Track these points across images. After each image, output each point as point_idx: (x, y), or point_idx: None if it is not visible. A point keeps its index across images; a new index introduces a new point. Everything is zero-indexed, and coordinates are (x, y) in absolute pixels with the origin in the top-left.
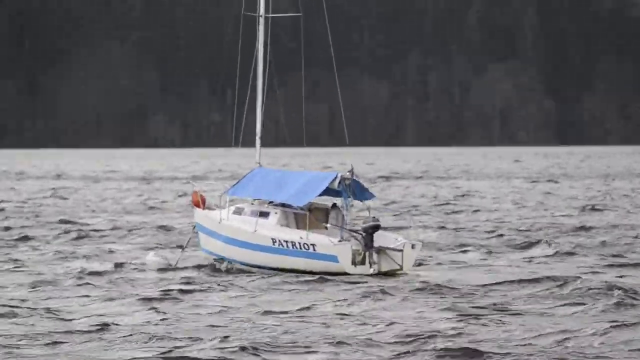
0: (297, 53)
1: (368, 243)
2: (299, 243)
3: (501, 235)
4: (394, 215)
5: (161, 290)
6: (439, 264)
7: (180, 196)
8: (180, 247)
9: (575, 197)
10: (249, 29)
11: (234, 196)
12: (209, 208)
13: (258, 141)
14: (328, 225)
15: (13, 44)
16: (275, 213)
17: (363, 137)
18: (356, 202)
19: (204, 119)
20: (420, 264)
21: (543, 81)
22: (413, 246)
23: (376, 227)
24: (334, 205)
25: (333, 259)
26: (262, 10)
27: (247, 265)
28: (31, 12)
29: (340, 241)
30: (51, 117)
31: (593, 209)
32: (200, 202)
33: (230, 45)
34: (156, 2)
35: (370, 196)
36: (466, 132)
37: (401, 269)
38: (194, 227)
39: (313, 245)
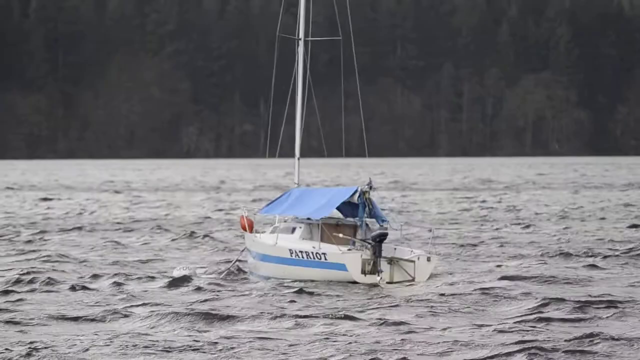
0: (332, 66)
1: (377, 251)
2: (312, 253)
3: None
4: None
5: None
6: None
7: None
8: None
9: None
10: (284, 48)
11: (266, 214)
12: (257, 231)
13: (297, 162)
14: (341, 235)
15: (47, 57)
16: (300, 227)
17: (396, 148)
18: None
19: (237, 129)
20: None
21: (576, 92)
22: (429, 259)
23: (383, 235)
24: (363, 222)
25: (342, 267)
26: (301, 34)
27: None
28: (65, 26)
29: (349, 250)
30: (84, 129)
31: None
32: (247, 226)
33: (264, 62)
34: (190, 16)
35: (385, 219)
36: (499, 142)
37: (413, 280)
38: (243, 249)
39: (324, 254)
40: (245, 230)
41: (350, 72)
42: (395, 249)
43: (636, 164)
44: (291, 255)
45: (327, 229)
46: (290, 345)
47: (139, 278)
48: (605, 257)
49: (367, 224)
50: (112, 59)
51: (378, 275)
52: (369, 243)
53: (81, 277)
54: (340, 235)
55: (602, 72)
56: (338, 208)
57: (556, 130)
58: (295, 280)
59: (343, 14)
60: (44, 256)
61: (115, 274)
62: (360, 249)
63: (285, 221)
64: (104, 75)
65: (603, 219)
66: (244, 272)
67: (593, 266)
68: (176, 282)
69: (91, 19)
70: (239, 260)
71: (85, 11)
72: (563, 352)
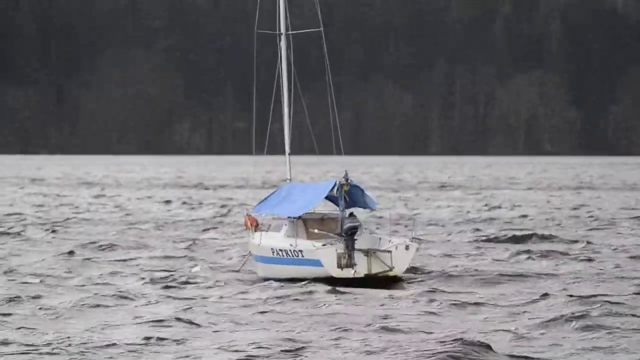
0: (320, 61)
1: (349, 245)
2: (290, 251)
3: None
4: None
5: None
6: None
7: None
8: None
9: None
10: (271, 43)
11: (258, 213)
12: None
13: (287, 158)
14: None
15: (39, 51)
16: (285, 225)
17: (388, 145)
18: (362, 209)
19: (229, 126)
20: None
21: (568, 91)
22: (407, 247)
23: (354, 228)
24: (351, 214)
25: (317, 263)
26: (282, 29)
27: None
28: (58, 19)
29: (324, 245)
30: (76, 123)
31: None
32: (250, 225)
33: (255, 57)
34: (182, 10)
35: (372, 204)
36: (491, 141)
37: (391, 270)
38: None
39: (301, 251)
40: (248, 228)
41: (339, 66)
42: (380, 239)
43: (627, 163)
44: (273, 254)
45: (312, 225)
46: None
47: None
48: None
49: (353, 215)
50: (104, 52)
51: (352, 269)
52: (342, 236)
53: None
54: (316, 230)
55: (595, 71)
56: (332, 200)
57: (548, 129)
58: (281, 279)
59: (332, 6)
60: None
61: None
62: (334, 243)
63: (277, 218)
64: (96, 69)
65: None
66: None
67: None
68: (192, 280)
69: (83, 12)
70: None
71: (77, 4)
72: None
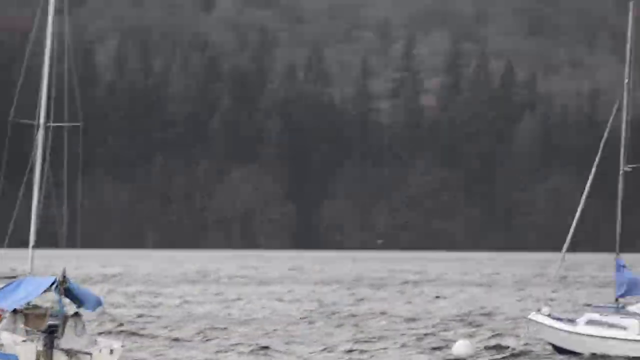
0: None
1: (48, 343)
2: None
3: None
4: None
5: None
6: None
7: None
8: None
9: None
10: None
11: None
12: None
13: (30, 251)
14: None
15: None
16: (6, 317)
17: (105, 240)
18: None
19: None
20: None
21: (284, 185)
22: (112, 351)
23: (53, 326)
24: (76, 313)
25: (15, 358)
26: (42, 120)
27: None
28: None
29: (24, 341)
30: None
31: None
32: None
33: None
34: None
35: (96, 303)
36: (207, 235)
37: None
38: None
39: (2, 345)
40: None
41: (58, 162)
42: (95, 340)
43: (339, 258)
44: None
45: (31, 319)
46: None
47: None
48: None
49: (77, 314)
50: None
51: None
52: (46, 333)
53: None
54: (23, 326)
55: (311, 166)
56: (67, 297)
57: (264, 223)
58: None
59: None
60: None
61: None
62: (37, 341)
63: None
64: None
65: None
66: None
67: None
68: None
69: None
70: None
71: None
72: None
